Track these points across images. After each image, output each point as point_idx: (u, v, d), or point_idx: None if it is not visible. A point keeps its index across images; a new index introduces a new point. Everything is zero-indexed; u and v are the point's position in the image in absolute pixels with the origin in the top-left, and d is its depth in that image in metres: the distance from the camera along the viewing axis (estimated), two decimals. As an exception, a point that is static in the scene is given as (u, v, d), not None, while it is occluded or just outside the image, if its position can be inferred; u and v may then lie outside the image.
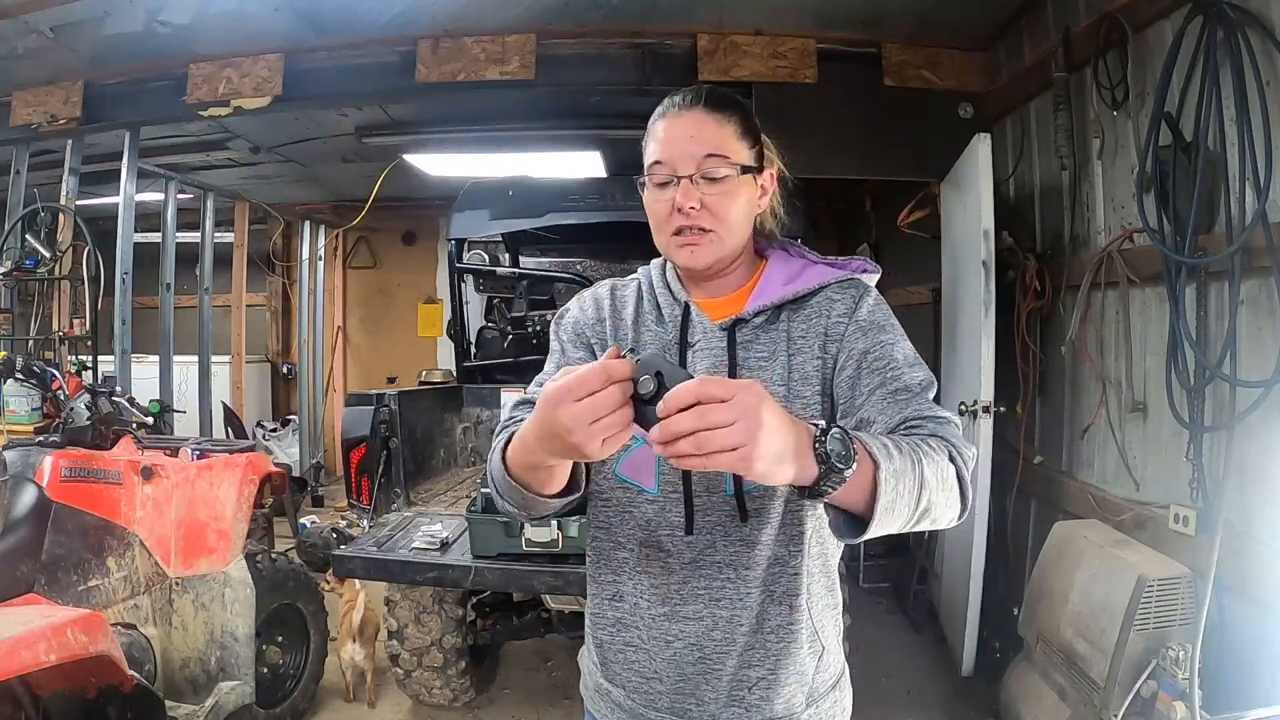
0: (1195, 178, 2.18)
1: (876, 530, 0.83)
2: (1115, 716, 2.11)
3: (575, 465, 0.95)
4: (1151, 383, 2.54)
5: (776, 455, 0.74)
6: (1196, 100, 2.18)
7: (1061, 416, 3.13)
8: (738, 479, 1.02)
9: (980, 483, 3.13)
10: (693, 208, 1.04)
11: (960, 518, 0.94)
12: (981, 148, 3.14)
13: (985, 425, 3.10)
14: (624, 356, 0.78)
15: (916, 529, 0.90)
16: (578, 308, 1.21)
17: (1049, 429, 3.26)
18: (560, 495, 0.98)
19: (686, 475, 1.04)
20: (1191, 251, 2.18)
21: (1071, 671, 2.36)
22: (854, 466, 0.78)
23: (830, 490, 0.79)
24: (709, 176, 1.04)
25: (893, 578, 4.43)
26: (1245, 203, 2.06)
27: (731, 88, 3.76)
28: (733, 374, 1.05)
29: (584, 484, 1.02)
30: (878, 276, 1.16)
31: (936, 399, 1.02)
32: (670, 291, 1.14)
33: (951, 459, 0.90)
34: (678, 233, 1.06)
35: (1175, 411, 2.28)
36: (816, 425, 0.79)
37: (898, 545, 4.51)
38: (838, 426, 0.80)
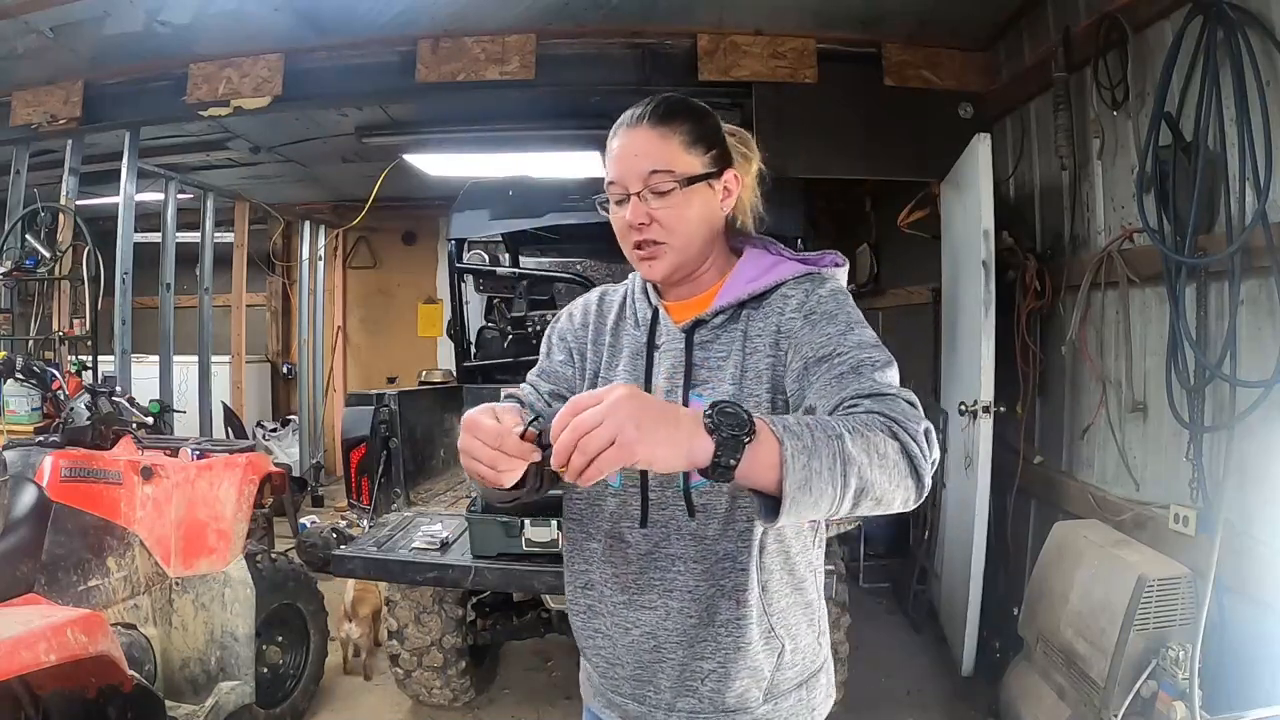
0: (1195, 178, 2.18)
1: (795, 511, 0.81)
2: (1115, 716, 2.11)
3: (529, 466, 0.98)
4: (1151, 383, 2.54)
5: (657, 439, 0.78)
6: (1196, 100, 2.18)
7: (1061, 416, 3.13)
8: (686, 476, 1.05)
9: (980, 483, 3.13)
10: (642, 224, 1.08)
11: (916, 498, 0.89)
12: (981, 148, 3.14)
13: (985, 425, 3.10)
14: (530, 427, 0.91)
15: (861, 511, 0.87)
16: (566, 315, 1.26)
17: (1049, 429, 3.26)
18: (512, 490, 1.04)
19: (644, 472, 1.07)
20: (1191, 251, 2.18)
21: (1071, 671, 2.36)
22: (751, 437, 0.79)
23: (728, 464, 0.79)
24: (656, 191, 1.07)
25: (893, 578, 4.43)
26: (1245, 203, 2.06)
27: (731, 88, 3.81)
28: (688, 375, 1.09)
29: (542, 482, 1.06)
30: (844, 269, 1.16)
31: (901, 382, 0.99)
32: (647, 296, 1.18)
33: (894, 435, 0.87)
34: (637, 246, 1.11)
35: (1175, 411, 2.28)
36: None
37: (898, 545, 4.51)
38: (731, 401, 0.83)
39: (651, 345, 1.13)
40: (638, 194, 1.08)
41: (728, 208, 1.13)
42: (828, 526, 1.19)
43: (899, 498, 0.88)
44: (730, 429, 0.79)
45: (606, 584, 1.13)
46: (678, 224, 1.09)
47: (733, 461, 0.79)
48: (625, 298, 1.22)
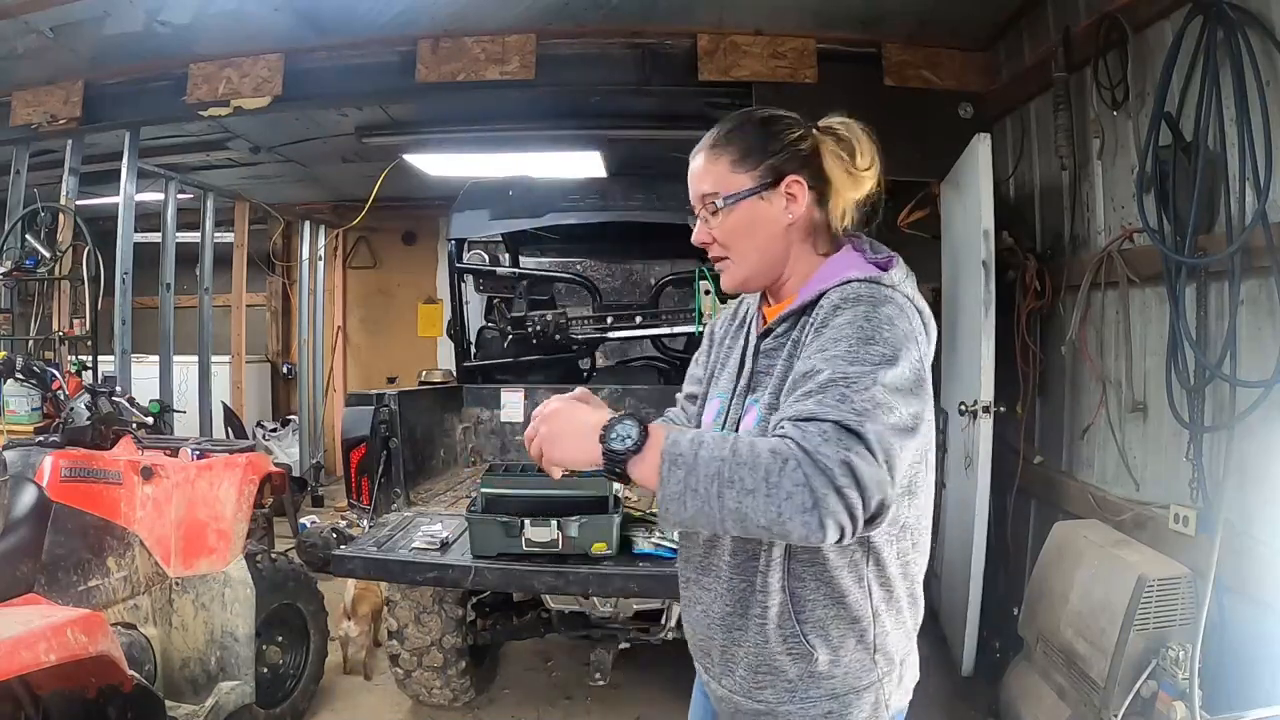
0: (1195, 178, 2.18)
1: (671, 519, 0.94)
2: (1115, 716, 2.11)
3: None
4: (1151, 383, 2.54)
5: (566, 446, 1.00)
6: (1196, 100, 2.18)
7: (1061, 416, 3.13)
8: None
9: (980, 483, 3.13)
10: (705, 241, 1.20)
11: (821, 532, 0.87)
12: (981, 148, 3.14)
13: (985, 425, 3.10)
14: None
15: (754, 535, 0.93)
16: (713, 323, 1.39)
17: (1049, 429, 3.26)
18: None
19: None
20: (1191, 251, 2.18)
21: (1071, 671, 2.36)
22: (636, 450, 0.94)
23: (615, 470, 0.96)
24: (710, 212, 1.18)
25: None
26: (1245, 203, 2.06)
27: (731, 88, 3.81)
28: (748, 384, 1.19)
29: None
30: (894, 270, 1.14)
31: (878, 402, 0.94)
32: (758, 300, 1.28)
33: (799, 464, 0.86)
34: (715, 260, 1.22)
35: (1175, 411, 2.28)
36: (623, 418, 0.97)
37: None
38: (633, 419, 0.97)
39: (744, 350, 1.24)
40: (699, 215, 1.20)
41: (795, 214, 1.16)
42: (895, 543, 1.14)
43: (795, 530, 0.88)
44: (616, 442, 0.95)
45: (684, 561, 1.27)
46: (733, 240, 1.17)
47: (617, 469, 0.96)
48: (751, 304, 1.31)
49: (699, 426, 1.29)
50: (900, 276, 1.13)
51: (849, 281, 1.09)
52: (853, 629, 1.11)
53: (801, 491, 0.86)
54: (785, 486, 0.87)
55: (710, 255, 1.21)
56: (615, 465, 0.95)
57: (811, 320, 1.09)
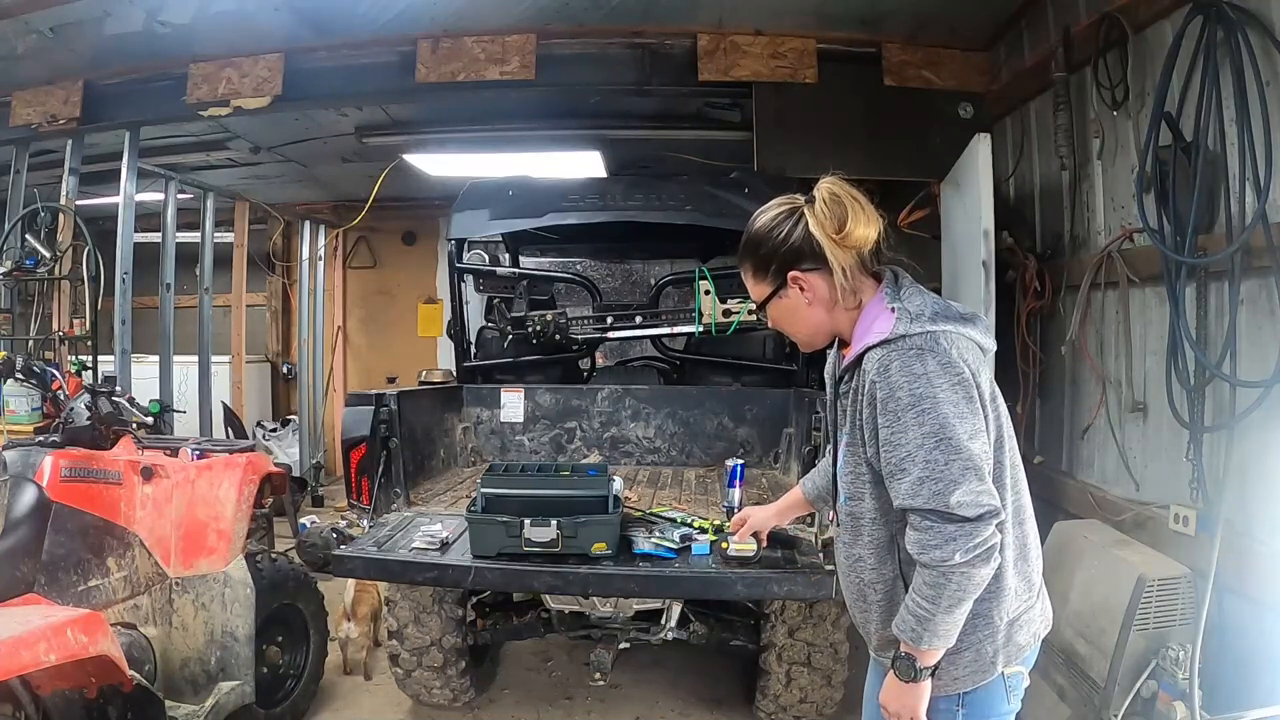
0: (1195, 178, 2.18)
1: (929, 656, 1.31)
2: (1115, 716, 2.11)
3: None
4: (1151, 383, 2.54)
5: (909, 707, 1.35)
6: (1196, 100, 2.18)
7: (1061, 416, 3.13)
8: (839, 493, 1.49)
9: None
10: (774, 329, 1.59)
11: (989, 564, 1.26)
12: (981, 148, 3.14)
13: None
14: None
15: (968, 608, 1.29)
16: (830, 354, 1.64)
17: (1049, 429, 3.26)
18: None
19: (834, 494, 1.53)
20: (1191, 251, 2.18)
21: (1071, 671, 2.36)
22: (916, 666, 1.32)
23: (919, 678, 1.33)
24: (762, 313, 1.50)
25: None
26: (1245, 203, 2.06)
27: (731, 88, 3.81)
28: (836, 420, 1.47)
29: None
30: (894, 318, 1.33)
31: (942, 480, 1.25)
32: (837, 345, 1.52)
33: (947, 571, 1.24)
34: None
35: (1175, 411, 2.28)
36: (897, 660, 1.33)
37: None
38: (901, 655, 1.33)
39: (835, 388, 1.49)
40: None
41: (809, 296, 1.40)
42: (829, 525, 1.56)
43: (977, 580, 1.26)
44: (907, 670, 1.33)
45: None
46: (782, 325, 1.49)
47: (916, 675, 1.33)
48: None
49: None
50: (905, 324, 1.30)
51: (871, 348, 1.32)
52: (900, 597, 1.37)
53: (965, 573, 1.25)
54: (946, 593, 1.25)
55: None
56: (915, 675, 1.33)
57: (862, 381, 1.34)
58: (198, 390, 5.65)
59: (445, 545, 2.31)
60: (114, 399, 2.70)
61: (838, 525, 1.50)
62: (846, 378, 1.40)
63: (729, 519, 2.42)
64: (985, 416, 1.32)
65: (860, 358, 1.35)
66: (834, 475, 1.51)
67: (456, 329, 3.73)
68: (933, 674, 1.32)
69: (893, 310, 1.33)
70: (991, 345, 1.40)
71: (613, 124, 4.56)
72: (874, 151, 3.62)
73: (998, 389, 1.39)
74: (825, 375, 1.59)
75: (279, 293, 7.57)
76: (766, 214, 1.42)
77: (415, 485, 2.90)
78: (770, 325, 1.51)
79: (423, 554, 2.27)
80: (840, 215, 1.34)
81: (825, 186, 1.36)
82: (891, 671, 1.33)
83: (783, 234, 1.38)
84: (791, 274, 1.39)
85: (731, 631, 2.85)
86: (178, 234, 5.16)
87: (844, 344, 1.46)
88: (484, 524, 2.18)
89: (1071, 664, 2.36)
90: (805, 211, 1.37)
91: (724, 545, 2.14)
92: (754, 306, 1.51)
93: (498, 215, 3.62)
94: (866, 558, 1.41)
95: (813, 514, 2.29)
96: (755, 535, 2.03)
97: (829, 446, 1.57)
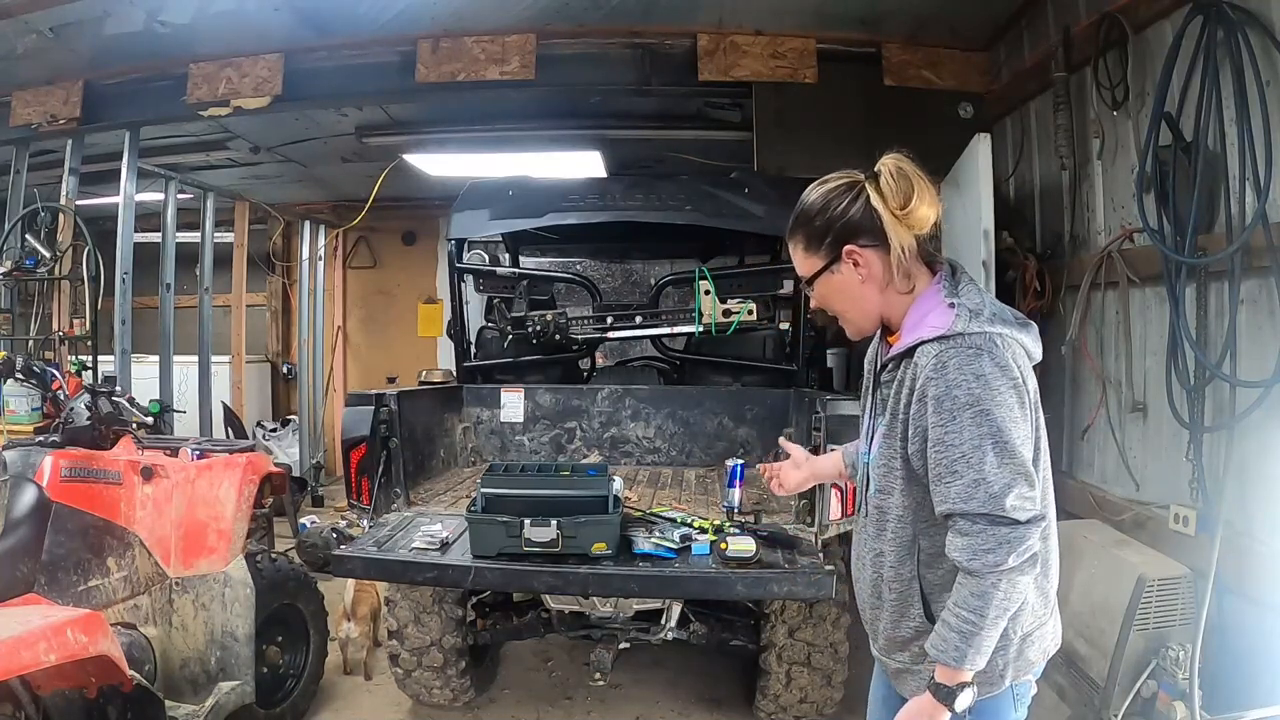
0: (1195, 178, 2.18)
1: (964, 675, 1.25)
2: (1115, 716, 2.11)
3: None
4: (1151, 383, 2.54)
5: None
6: (1196, 100, 2.18)
7: (1061, 417, 3.13)
8: (869, 484, 1.44)
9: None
10: (820, 308, 1.45)
11: (1031, 566, 1.24)
12: (981, 148, 3.14)
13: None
14: None
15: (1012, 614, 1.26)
16: (872, 343, 1.56)
17: (1049, 429, 3.24)
18: None
19: (865, 484, 1.47)
20: (1191, 251, 2.18)
21: (1071, 671, 2.36)
22: (965, 687, 1.25)
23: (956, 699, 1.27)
24: (809, 291, 1.44)
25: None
26: (1245, 203, 2.06)
27: (731, 88, 3.81)
28: (876, 408, 1.42)
29: None
30: (955, 313, 1.29)
31: (995, 481, 1.22)
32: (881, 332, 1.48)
33: (992, 578, 1.20)
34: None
35: (1175, 411, 2.28)
36: (930, 684, 1.27)
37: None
38: (935, 682, 1.26)
39: (876, 376, 1.45)
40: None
41: (864, 273, 1.35)
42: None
43: (1021, 588, 1.24)
44: (947, 696, 1.25)
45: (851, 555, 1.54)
46: (830, 304, 1.42)
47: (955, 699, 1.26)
48: None
49: None
50: (965, 321, 1.27)
51: (926, 342, 1.28)
52: (935, 589, 1.33)
53: (1009, 580, 1.21)
54: (991, 601, 1.21)
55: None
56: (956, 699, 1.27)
57: (913, 374, 1.30)
58: (198, 390, 5.65)
59: (445, 545, 2.31)
60: (114, 399, 2.69)
61: (864, 516, 1.46)
62: (890, 366, 1.36)
63: (729, 520, 2.42)
64: (1032, 424, 1.30)
65: (911, 350, 1.30)
66: (866, 463, 1.45)
67: (456, 329, 3.73)
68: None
69: (951, 306, 1.29)
70: (1039, 354, 1.35)
71: (613, 124, 4.56)
72: (874, 151, 3.56)
73: (1039, 400, 1.35)
74: (865, 361, 1.54)
75: (279, 293, 7.57)
76: (824, 185, 1.38)
77: (415, 485, 2.90)
78: (815, 305, 1.45)
79: (423, 554, 2.27)
80: (906, 191, 1.32)
81: (892, 161, 1.34)
82: (928, 693, 1.26)
83: (841, 206, 1.34)
84: (848, 248, 1.34)
85: (731, 631, 2.85)
86: (178, 234, 5.16)
87: (888, 332, 1.42)
88: (484, 524, 2.18)
89: (1071, 664, 2.36)
90: (867, 186, 1.34)
91: (723, 545, 2.14)
92: (804, 280, 1.42)
93: (498, 215, 3.62)
94: (888, 554, 1.38)
95: (812, 514, 2.29)
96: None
97: (863, 428, 1.51)
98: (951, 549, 1.24)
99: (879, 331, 1.46)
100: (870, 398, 1.45)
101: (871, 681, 1.58)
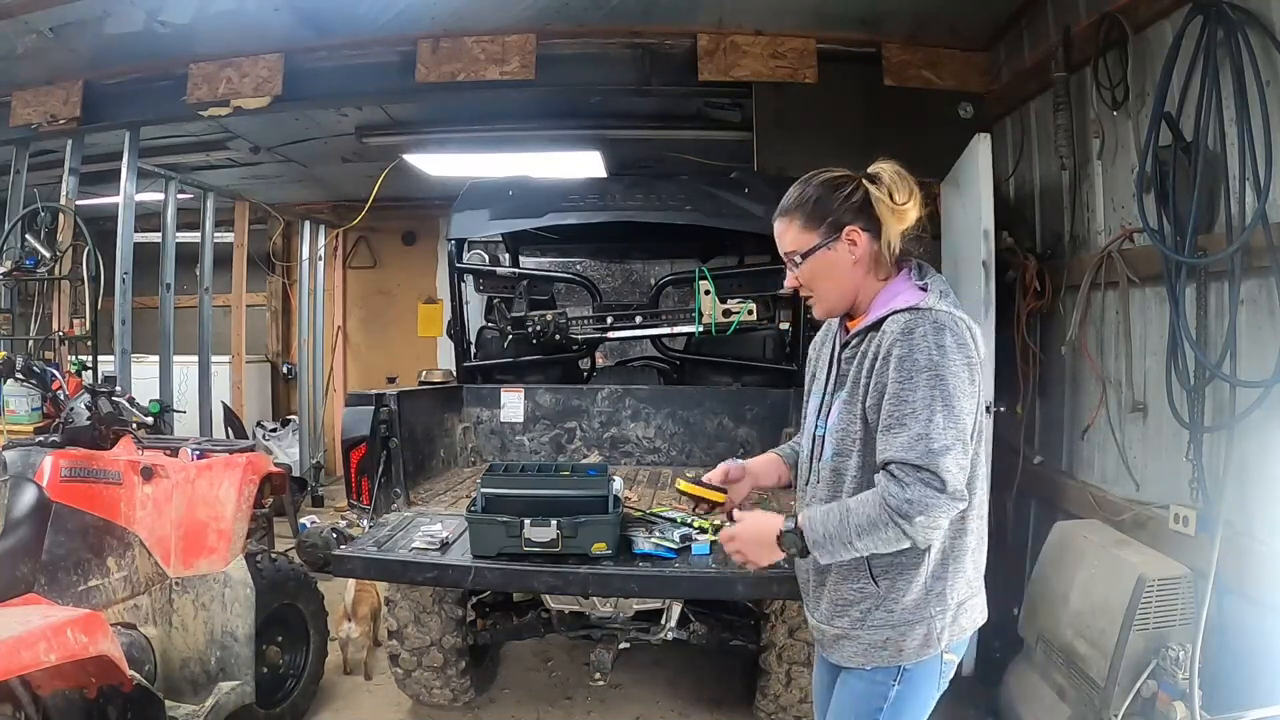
0: (1195, 178, 2.18)
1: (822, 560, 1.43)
2: (1115, 716, 2.11)
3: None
4: (1151, 383, 2.54)
5: (759, 555, 1.50)
6: (1196, 100, 2.18)
7: (1061, 416, 3.13)
8: (822, 448, 1.54)
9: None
10: (795, 286, 1.55)
11: (915, 543, 1.36)
12: (981, 148, 3.14)
13: (985, 425, 3.09)
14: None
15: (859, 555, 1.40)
16: (816, 337, 1.70)
17: (1049, 429, 3.25)
18: None
19: (817, 454, 1.56)
20: (1191, 251, 2.18)
21: (1071, 671, 2.36)
22: (800, 546, 1.42)
23: (791, 554, 1.47)
24: (794, 263, 1.53)
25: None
26: (1245, 203, 2.06)
27: (731, 88, 3.80)
28: (835, 385, 1.53)
29: None
30: (930, 293, 1.43)
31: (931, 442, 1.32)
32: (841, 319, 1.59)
33: (891, 519, 1.31)
34: (806, 299, 1.57)
35: (1175, 411, 2.28)
36: (787, 522, 1.44)
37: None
38: (794, 532, 1.42)
39: (831, 358, 1.57)
40: (787, 267, 1.55)
41: (856, 254, 1.48)
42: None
43: (897, 546, 1.36)
44: (792, 545, 1.43)
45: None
46: (814, 282, 1.52)
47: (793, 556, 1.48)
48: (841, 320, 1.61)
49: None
50: (934, 299, 1.41)
51: (897, 312, 1.40)
52: (913, 574, 1.43)
53: (896, 539, 1.34)
54: (886, 538, 1.34)
55: (801, 295, 1.56)
56: (792, 555, 1.46)
57: (879, 342, 1.41)
58: (198, 390, 5.65)
59: (445, 545, 2.31)
60: (114, 399, 2.69)
61: (816, 481, 1.54)
62: (854, 343, 1.49)
63: (730, 520, 2.41)
64: (977, 404, 1.42)
65: (878, 323, 1.43)
66: (814, 434, 1.56)
67: (456, 329, 3.73)
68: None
69: (922, 287, 1.44)
70: (984, 351, 1.46)
71: (613, 124, 4.56)
72: (874, 151, 3.55)
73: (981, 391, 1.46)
74: (812, 348, 1.68)
75: (279, 293, 7.57)
76: (827, 174, 1.52)
77: (415, 485, 2.90)
78: (797, 280, 1.53)
79: (423, 554, 2.27)
80: (907, 189, 1.46)
81: (890, 165, 1.48)
82: (780, 520, 1.44)
83: (846, 192, 1.48)
84: (849, 229, 1.46)
85: (731, 631, 2.85)
86: (178, 234, 5.16)
87: (849, 318, 1.55)
88: (484, 524, 2.18)
89: (1071, 664, 2.36)
90: (865, 183, 1.48)
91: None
92: (797, 255, 1.51)
93: (498, 215, 3.62)
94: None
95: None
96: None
97: (812, 408, 1.61)
98: (878, 486, 1.35)
99: (831, 322, 1.61)
100: (826, 376, 1.56)
101: (814, 670, 1.69)
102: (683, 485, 1.71)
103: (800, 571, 1.62)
